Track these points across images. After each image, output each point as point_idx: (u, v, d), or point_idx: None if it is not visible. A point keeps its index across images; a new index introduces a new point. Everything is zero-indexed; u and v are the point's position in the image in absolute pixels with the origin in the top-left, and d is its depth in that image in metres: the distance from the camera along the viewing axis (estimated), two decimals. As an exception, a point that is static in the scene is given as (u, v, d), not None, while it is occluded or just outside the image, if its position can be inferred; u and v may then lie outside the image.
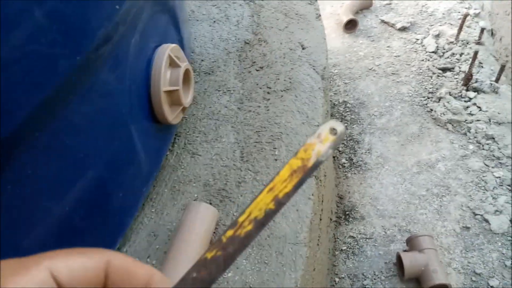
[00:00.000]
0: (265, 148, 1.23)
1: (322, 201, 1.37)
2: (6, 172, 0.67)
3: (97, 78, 0.84)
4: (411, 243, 1.65)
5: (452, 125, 2.20)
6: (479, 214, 1.80)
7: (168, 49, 1.14)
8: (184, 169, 1.21)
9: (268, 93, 1.41)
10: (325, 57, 1.57)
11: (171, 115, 1.13)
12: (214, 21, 1.80)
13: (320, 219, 1.31)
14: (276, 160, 1.19)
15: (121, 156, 0.97)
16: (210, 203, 1.10)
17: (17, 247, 0.76)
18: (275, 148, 1.22)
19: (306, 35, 1.68)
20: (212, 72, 1.53)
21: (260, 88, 1.43)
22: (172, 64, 1.15)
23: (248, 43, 1.66)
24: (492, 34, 3.31)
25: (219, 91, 1.44)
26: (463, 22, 2.76)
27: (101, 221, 0.95)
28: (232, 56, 1.61)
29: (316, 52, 1.58)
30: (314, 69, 1.50)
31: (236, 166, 1.19)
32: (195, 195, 1.14)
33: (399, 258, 1.62)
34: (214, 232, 1.03)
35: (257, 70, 1.51)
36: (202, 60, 1.60)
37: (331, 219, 1.79)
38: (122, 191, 0.99)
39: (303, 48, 1.60)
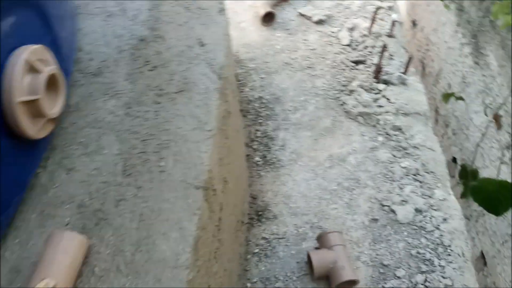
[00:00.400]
0: (151, 158, 1.12)
1: (221, 209, 1.30)
2: None
3: None
4: (321, 241, 1.66)
5: (363, 117, 2.25)
6: (386, 205, 1.86)
7: (27, 52, 0.98)
8: (57, 188, 1.07)
9: (160, 95, 1.29)
10: (224, 54, 1.49)
11: (33, 129, 0.98)
12: (109, 15, 1.63)
13: (219, 229, 1.24)
14: (161, 172, 1.09)
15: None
16: (83, 228, 0.98)
17: None
18: (162, 158, 1.12)
19: (206, 31, 1.58)
20: (101, 73, 1.38)
21: (152, 90, 1.31)
22: (32, 69, 0.99)
23: (143, 40, 1.52)
24: (415, 25, 3.46)
25: (106, 94, 1.30)
26: (375, 14, 2.84)
27: None
28: (124, 54, 1.46)
29: (215, 50, 1.49)
30: (211, 68, 1.41)
31: (117, 181, 1.08)
32: (67, 219, 1.00)
33: (309, 257, 1.61)
34: (84, 263, 0.91)
35: (150, 70, 1.39)
36: (91, 60, 1.43)
37: (243, 222, 1.74)
38: (-38, 225, 0.84)
39: (201, 45, 1.50)
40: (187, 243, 0.96)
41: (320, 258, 1.56)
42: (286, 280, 1.62)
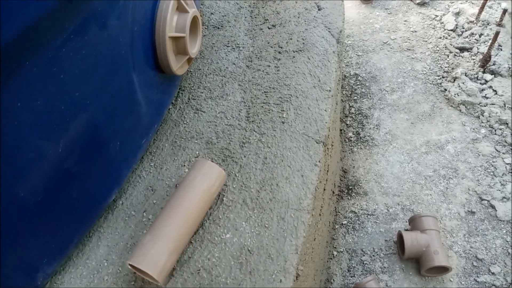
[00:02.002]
0: (273, 109, 1.16)
1: (327, 171, 1.30)
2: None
3: (94, 7, 0.75)
4: (414, 223, 1.61)
5: (466, 107, 2.12)
6: (485, 200, 1.75)
7: (177, -7, 1.05)
8: (186, 124, 1.14)
9: (279, 52, 1.32)
10: (342, 20, 1.47)
11: (176, 65, 1.05)
12: (227, -26, 1.68)
13: (324, 189, 1.25)
14: (283, 123, 1.12)
15: (119, 102, 0.90)
16: (212, 161, 1.04)
17: (14, 194, 0.70)
18: (283, 110, 1.15)
19: (324, -4, 1.57)
20: (222, 26, 1.44)
21: (271, 47, 1.34)
22: (180, 8, 1.05)
23: None
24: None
25: (227, 46, 1.36)
26: (485, 1, 2.63)
27: (97, 168, 0.89)
28: (243, 11, 1.51)
29: (332, 14, 1.48)
30: (329, 31, 1.40)
31: (241, 125, 1.13)
32: (197, 152, 1.07)
33: (400, 237, 1.57)
34: (219, 193, 0.97)
35: (269, 28, 1.42)
36: (212, 13, 1.50)
37: (333, 192, 1.74)
38: (120, 140, 0.93)
39: (319, 9, 1.50)
40: (308, 190, 0.98)
41: (413, 239, 1.52)
42: (373, 255, 1.60)
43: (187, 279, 0.87)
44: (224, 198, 0.97)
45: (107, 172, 0.93)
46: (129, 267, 0.86)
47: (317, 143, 1.07)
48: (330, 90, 1.20)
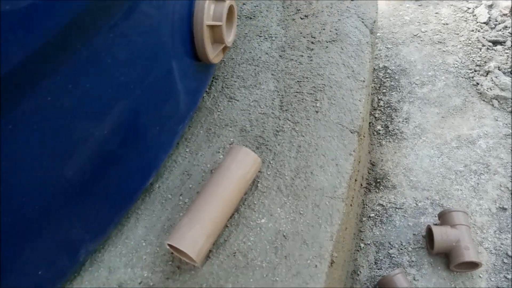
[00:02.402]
0: (306, 99, 1.16)
1: (359, 161, 1.30)
2: (46, 81, 0.63)
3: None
4: (444, 218, 1.59)
5: (498, 101, 2.06)
6: (518, 196, 1.71)
7: (214, -18, 1.06)
8: (220, 112, 1.16)
9: (312, 43, 1.32)
10: (375, 10, 1.46)
11: (213, 53, 1.07)
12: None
13: (356, 180, 1.25)
14: (317, 112, 1.13)
15: (160, 88, 0.93)
16: (246, 149, 1.06)
17: (63, 173, 0.74)
18: (317, 100, 1.15)
19: (356, -13, 1.55)
20: (254, 16, 1.45)
21: (304, 37, 1.34)
22: (217, -2, 1.07)
23: (293, -10, 1.55)
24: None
25: (260, 36, 1.37)
26: (522, -7, 2.54)
27: (137, 151, 0.92)
28: (275, 2, 1.51)
29: (365, 4, 1.46)
30: (362, 22, 1.39)
31: (275, 114, 1.14)
32: (231, 139, 1.09)
33: (429, 231, 1.56)
34: (254, 180, 0.99)
35: (301, 19, 1.42)
36: (244, 4, 1.51)
37: (361, 185, 1.74)
38: (159, 125, 0.95)
39: None
40: (343, 178, 0.99)
41: (443, 234, 1.50)
42: (401, 249, 1.59)
43: (223, 261, 0.90)
44: (259, 185, 0.99)
45: (146, 155, 0.96)
46: (168, 247, 0.89)
47: (351, 133, 1.07)
48: (364, 81, 1.20)
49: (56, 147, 0.71)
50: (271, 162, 1.02)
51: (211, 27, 1.05)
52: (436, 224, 1.62)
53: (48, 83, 0.63)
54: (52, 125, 0.68)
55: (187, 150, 1.08)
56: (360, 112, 1.11)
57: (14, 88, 0.58)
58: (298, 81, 1.20)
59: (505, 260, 1.56)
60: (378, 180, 1.79)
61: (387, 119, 2.01)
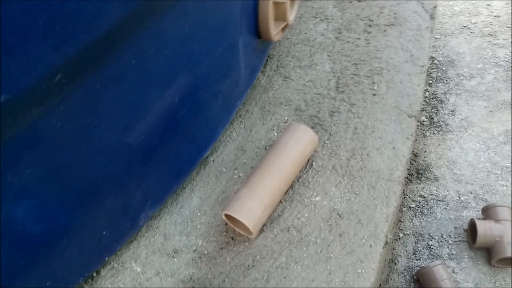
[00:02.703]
0: (363, 81, 1.15)
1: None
2: (133, 46, 0.65)
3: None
4: (487, 212, 1.55)
5: (552, 98, 1.98)
6: None
7: (279, -41, 1.05)
8: (275, 91, 1.17)
9: (370, 26, 1.30)
10: (436, -5, 1.41)
11: (275, 30, 1.07)
12: None
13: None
14: (374, 95, 1.12)
15: (226, 62, 0.94)
16: (302, 127, 1.06)
17: (127, 137, 0.76)
18: (374, 83, 1.14)
19: (415, -29, 1.51)
20: (309, -2, 1.44)
21: (361, 20, 1.32)
22: (282, -25, 1.07)
23: (348, -27, 1.53)
24: None
25: (316, 18, 1.35)
26: None
27: (198, 123, 0.94)
28: (331, -16, 1.49)
29: (426, -10, 1.42)
30: (422, 6, 1.36)
31: (330, 95, 1.13)
32: (286, 118, 1.10)
33: (472, 225, 1.53)
34: (309, 158, 1.00)
35: (358, 1, 1.39)
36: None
37: (402, 175, 1.71)
38: (221, 97, 0.97)
39: (411, -16, 1.45)
40: (400, 162, 0.98)
41: (486, 228, 1.47)
42: (441, 241, 1.57)
43: (277, 235, 0.91)
44: (314, 163, 0.99)
45: (205, 127, 0.99)
46: (224, 217, 0.91)
47: (409, 117, 1.06)
48: (423, 66, 1.18)
49: (126, 111, 0.73)
50: (326, 142, 1.03)
51: (276, 4, 1.05)
52: (479, 219, 1.59)
53: (136, 47, 0.65)
54: (128, 90, 0.70)
55: (241, 126, 1.10)
56: (419, 97, 1.10)
57: (108, 49, 0.60)
58: (354, 64, 1.19)
59: (550, 261, 1.52)
60: (420, 171, 1.76)
61: (432, 111, 1.97)
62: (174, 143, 0.91)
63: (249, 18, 1.01)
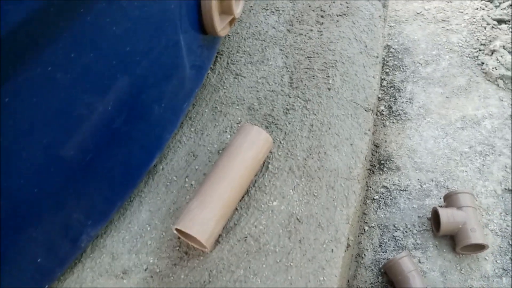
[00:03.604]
0: (317, 75, 1.10)
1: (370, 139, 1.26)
2: (47, 48, 0.56)
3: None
4: (449, 199, 1.56)
5: (504, 81, 2.03)
6: (523, 177, 1.69)
7: None
8: (226, 90, 1.10)
9: (322, 16, 1.25)
10: (387, -17, 1.38)
11: (220, 25, 0.99)
12: None
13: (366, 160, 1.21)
14: (329, 89, 1.07)
15: (166, 62, 0.86)
16: (256, 128, 1.00)
17: (63, 152, 0.67)
18: (329, 76, 1.09)
19: (366, -42, 1.48)
20: (258, -11, 1.37)
21: (313, 10, 1.27)
22: (225, -34, 0.99)
23: (299, -38, 1.47)
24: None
25: (266, 10, 1.29)
26: (528, -29, 2.47)
27: (141, 129, 0.85)
28: (281, -26, 1.43)
29: (377, -23, 1.39)
30: (375, -5, 1.32)
31: (284, 92, 1.08)
32: (239, 118, 1.03)
33: (435, 213, 1.53)
34: (264, 161, 0.94)
35: (309, -9, 1.34)
36: (248, -24, 1.42)
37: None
38: (164, 102, 0.89)
39: (362, -28, 1.41)
40: (358, 159, 0.94)
41: (449, 216, 1.48)
42: (406, 232, 1.56)
43: (233, 246, 0.85)
44: (270, 166, 0.93)
45: (150, 134, 0.90)
46: (175, 232, 0.84)
47: (366, 111, 1.02)
48: (377, 56, 1.14)
49: (56, 122, 0.64)
50: (282, 142, 0.97)
51: (219, -2, 0.98)
52: (441, 206, 1.60)
53: (49, 50, 0.56)
54: (52, 98, 0.61)
55: (192, 129, 1.02)
56: (375, 89, 1.06)
57: (12, 55, 0.50)
58: (308, 57, 1.14)
59: (511, 242, 1.55)
60: (382, 162, 1.75)
61: (391, 100, 1.96)
62: (114, 154, 0.83)
63: (191, 13, 0.92)
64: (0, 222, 0.63)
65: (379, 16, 1.25)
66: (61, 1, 0.55)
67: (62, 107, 0.63)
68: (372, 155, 1.80)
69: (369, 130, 0.98)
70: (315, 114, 1.01)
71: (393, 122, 1.89)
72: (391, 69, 2.10)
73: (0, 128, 0.54)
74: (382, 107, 1.95)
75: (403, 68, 2.09)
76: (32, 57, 0.55)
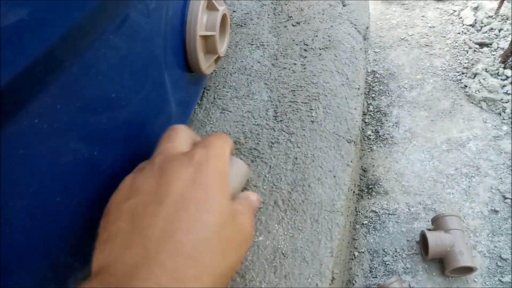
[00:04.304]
0: (301, 108, 1.14)
1: (353, 170, 1.28)
2: (33, 103, 0.59)
3: (131, 9, 0.74)
4: (437, 222, 1.59)
5: (487, 103, 2.09)
6: (509, 198, 1.72)
7: (206, -10, 1.02)
8: (213, 125, 1.13)
9: (305, 50, 1.30)
10: (367, 16, 1.44)
11: (205, 64, 1.03)
12: (246, -29, 1.66)
13: (353, 190, 1.23)
14: (312, 122, 1.10)
15: (152, 102, 0.89)
16: (241, 162, 1.02)
17: (51, 198, 0.69)
18: (312, 109, 1.13)
19: (347, -8, 1.54)
20: (245, 24, 1.42)
21: (297, 44, 1.32)
22: (210, 7, 1.03)
23: (283, -4, 1.53)
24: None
25: (252, 45, 1.34)
26: (505, -5, 2.58)
27: (130, 169, 0.87)
28: (266, 8, 1.49)
29: (358, 10, 1.45)
30: (355, 28, 1.38)
31: (269, 125, 1.11)
32: (225, 153, 1.06)
33: (423, 237, 1.55)
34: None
35: (293, 25, 1.39)
36: (234, 11, 1.48)
37: (353, 192, 1.72)
38: (153, 138, 0.91)
39: (343, 5, 1.47)
40: (341, 191, 0.96)
41: (437, 239, 1.50)
42: (395, 256, 1.58)
43: (220, 282, 0.86)
44: (256, 200, 0.95)
45: (138, 173, 0.92)
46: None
47: (348, 142, 1.05)
48: (359, 88, 1.18)
49: (41, 171, 0.66)
50: (267, 175, 1.00)
51: (204, 37, 1.02)
52: (429, 229, 1.62)
53: (35, 103, 0.58)
54: (38, 148, 0.63)
55: (179, 164, 1.04)
56: (356, 121, 1.09)
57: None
58: (292, 90, 1.18)
59: (499, 263, 1.57)
60: (370, 186, 1.78)
61: (377, 124, 2.01)
62: (102, 197, 0.84)
63: (176, 54, 0.96)
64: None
65: (360, 49, 1.29)
66: (48, 57, 0.58)
67: (49, 156, 0.65)
68: (361, 179, 1.83)
69: (351, 161, 1.01)
70: (299, 147, 1.04)
71: (380, 146, 1.93)
72: (377, 94, 2.15)
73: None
74: (369, 132, 1.99)
75: (388, 93, 2.15)
76: (19, 110, 0.58)
